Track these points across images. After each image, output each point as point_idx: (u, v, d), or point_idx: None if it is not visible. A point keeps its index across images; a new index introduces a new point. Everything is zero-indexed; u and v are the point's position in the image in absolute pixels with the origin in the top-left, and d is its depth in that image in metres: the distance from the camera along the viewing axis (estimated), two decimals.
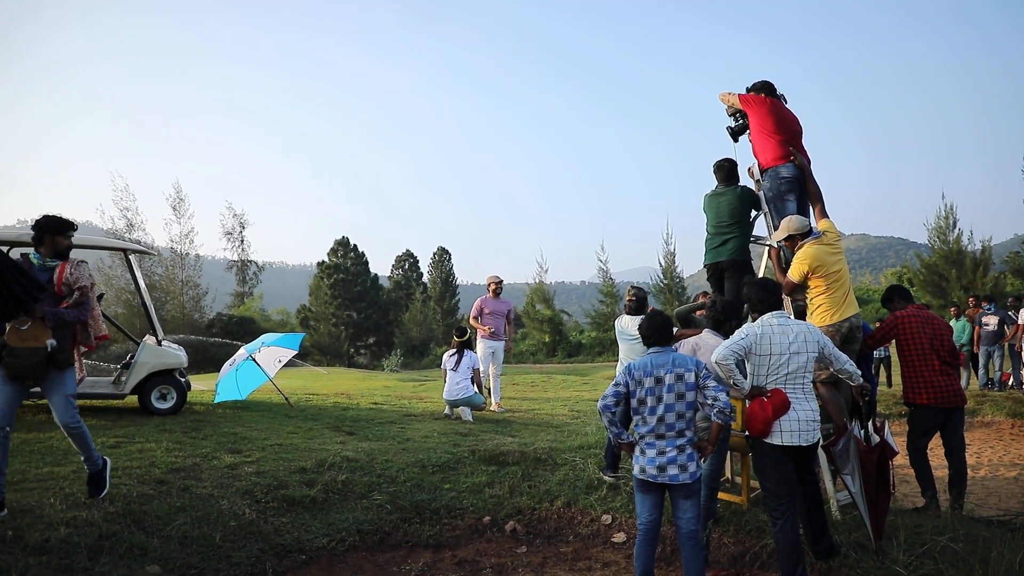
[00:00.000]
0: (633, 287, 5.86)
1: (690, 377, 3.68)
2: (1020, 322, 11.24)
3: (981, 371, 11.85)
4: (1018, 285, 27.27)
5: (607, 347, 34.64)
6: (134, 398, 7.53)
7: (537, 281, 40.24)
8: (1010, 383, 11.87)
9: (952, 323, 12.32)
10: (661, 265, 36.39)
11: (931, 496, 5.07)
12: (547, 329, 38.03)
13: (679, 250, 36.09)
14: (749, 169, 5.61)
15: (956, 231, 28.72)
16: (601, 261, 37.81)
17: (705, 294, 5.79)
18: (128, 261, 7.71)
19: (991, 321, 11.49)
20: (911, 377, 5.18)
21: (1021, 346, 11.40)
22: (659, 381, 3.69)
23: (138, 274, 7.75)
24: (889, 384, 12.81)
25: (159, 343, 7.58)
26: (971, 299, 12.69)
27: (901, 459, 5.73)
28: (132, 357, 7.45)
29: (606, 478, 5.54)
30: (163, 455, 5.61)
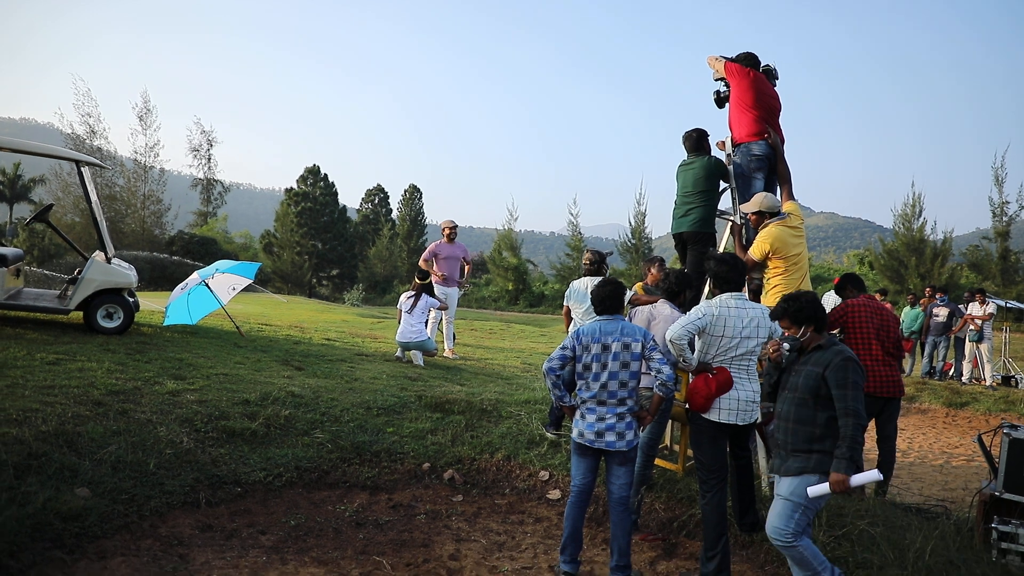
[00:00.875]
0: (590, 250, 5.85)
1: (636, 347, 3.72)
2: (967, 314, 11.57)
3: (925, 359, 12.22)
4: (973, 278, 28.01)
5: None
6: (79, 314, 7.36)
7: (506, 228, 40.11)
8: (951, 373, 12.29)
9: (907, 310, 12.62)
10: (631, 225, 36.52)
11: None
12: (511, 277, 38.11)
13: (651, 211, 36.18)
14: (720, 142, 5.57)
15: (921, 220, 29.31)
16: (572, 215, 37.81)
17: (650, 261, 5.77)
18: (80, 173, 7.41)
19: (941, 312, 11.80)
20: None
21: (964, 336, 11.77)
22: (606, 348, 3.71)
23: (90, 187, 7.46)
24: None
25: (108, 260, 7.36)
26: (928, 289, 12.99)
27: None
28: (79, 272, 7.25)
29: (548, 435, 5.62)
30: (103, 376, 5.51)
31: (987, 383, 11.43)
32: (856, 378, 3.26)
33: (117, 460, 4.19)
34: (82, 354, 6.16)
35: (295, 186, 45.71)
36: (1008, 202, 27.54)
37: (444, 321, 9.21)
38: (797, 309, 3.48)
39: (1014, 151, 28.30)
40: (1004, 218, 27.69)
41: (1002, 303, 15.18)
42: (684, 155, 5.68)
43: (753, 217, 4.96)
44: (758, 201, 4.91)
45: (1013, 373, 12.38)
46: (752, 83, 5.26)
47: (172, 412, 5.02)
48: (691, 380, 3.99)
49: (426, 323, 8.21)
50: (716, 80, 5.72)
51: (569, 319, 5.84)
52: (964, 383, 11.61)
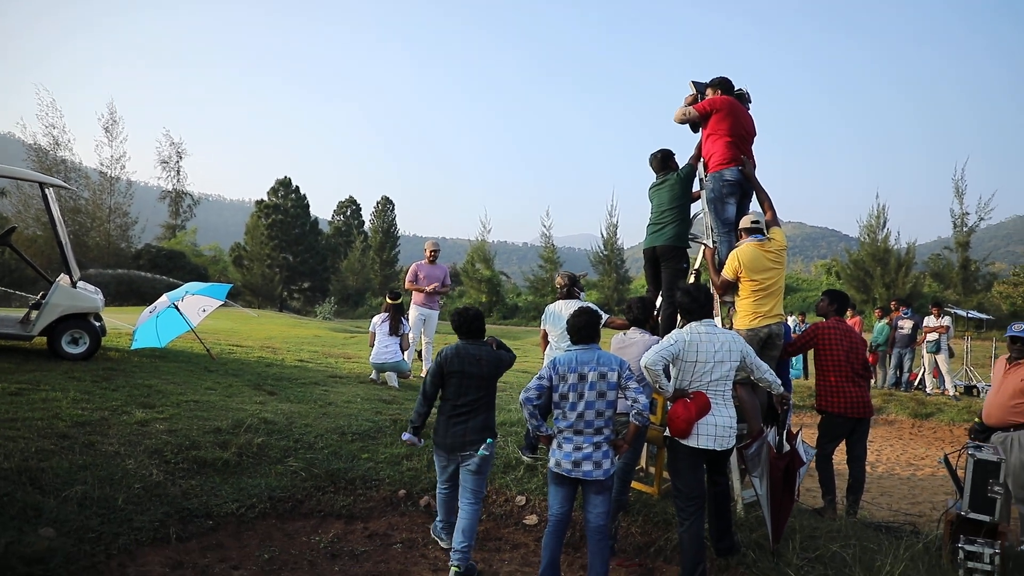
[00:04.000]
0: (561, 273, 5.88)
1: (613, 376, 3.73)
2: (925, 326, 11.86)
3: (892, 371, 12.48)
4: (935, 288, 28.66)
5: (542, 311, 35.01)
6: (43, 340, 7.18)
7: (479, 240, 40.19)
8: (916, 383, 12.55)
9: (875, 324, 12.90)
10: (603, 236, 36.80)
11: (830, 500, 5.31)
12: (485, 289, 38.19)
13: (622, 223, 36.58)
14: (693, 164, 5.61)
15: (885, 231, 29.96)
16: (545, 226, 38.01)
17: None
18: (45, 195, 7.24)
19: (906, 325, 12.07)
20: (825, 386, 5.36)
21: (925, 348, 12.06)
22: (582, 378, 3.72)
23: (55, 209, 7.29)
24: (805, 376, 13.36)
25: (74, 284, 7.20)
26: (894, 302, 13.27)
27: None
28: (44, 296, 7.08)
29: (524, 458, 5.60)
30: (68, 406, 5.38)
31: (950, 393, 11.68)
32: None
33: (83, 497, 4.08)
34: (46, 383, 6.01)
35: (266, 198, 45.32)
36: (968, 213, 28.30)
37: (423, 342, 9.05)
38: None
39: (973, 163, 29.11)
40: (964, 229, 28.42)
41: (963, 313, 15.58)
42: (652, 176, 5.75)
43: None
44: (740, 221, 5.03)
45: (975, 382, 12.67)
46: (728, 112, 5.21)
47: (141, 443, 4.91)
48: (669, 406, 4.02)
49: (400, 344, 8.14)
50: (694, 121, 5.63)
51: (546, 342, 5.85)
52: (929, 394, 11.86)
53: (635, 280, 38.12)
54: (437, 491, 4.49)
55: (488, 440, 4.10)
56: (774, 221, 5.08)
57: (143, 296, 31.29)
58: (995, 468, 4.20)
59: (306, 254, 45.02)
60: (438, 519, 4.54)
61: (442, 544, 4.47)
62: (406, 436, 4.40)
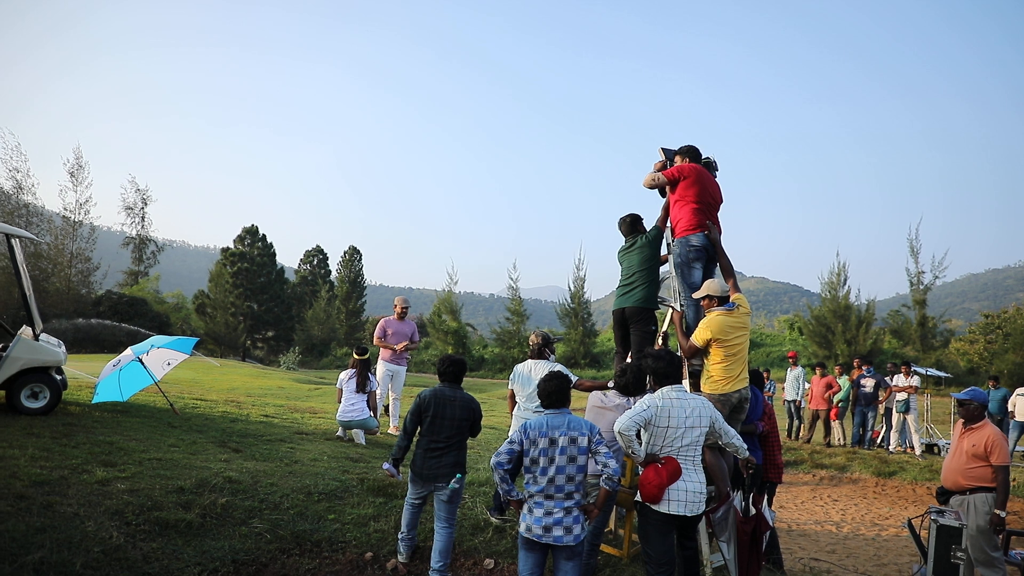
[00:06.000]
0: (537, 332, 5.94)
1: (583, 441, 3.78)
2: (892, 385, 12.14)
3: (855, 429, 12.70)
4: (895, 344, 29.33)
5: (508, 364, 35.02)
6: (1, 393, 6.99)
7: (446, 291, 40.23)
8: (879, 441, 12.77)
9: (840, 381, 13.19)
10: (570, 289, 37.08)
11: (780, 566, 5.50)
12: (451, 341, 38.03)
13: (589, 277, 36.81)
14: (660, 227, 5.79)
15: (846, 288, 30.71)
16: (512, 279, 38.20)
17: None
18: (11, 247, 7.13)
19: (868, 383, 12.34)
20: (774, 460, 5.70)
21: (892, 406, 12.32)
22: (553, 443, 3.76)
23: (20, 260, 7.16)
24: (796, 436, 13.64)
25: (36, 337, 7.06)
26: (856, 360, 13.62)
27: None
28: (3, 349, 6.92)
29: (493, 520, 5.57)
30: (27, 465, 5.23)
31: (917, 452, 11.92)
32: None
33: (40, 562, 3.94)
34: (3, 440, 5.84)
35: (232, 246, 44.94)
36: (923, 271, 29.23)
37: (391, 398, 9.03)
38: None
39: (927, 223, 30.19)
40: (920, 286, 29.31)
41: (921, 371, 15.98)
42: (624, 212, 5.96)
43: (705, 302, 5.14)
44: (707, 287, 5.12)
45: (935, 440, 12.93)
46: (695, 180, 5.40)
47: (101, 504, 4.79)
48: (640, 470, 4.07)
49: (367, 401, 8.09)
50: (662, 186, 5.89)
51: (513, 402, 5.87)
52: (891, 452, 12.07)
53: (602, 333, 38.33)
54: (406, 503, 4.89)
55: (457, 475, 4.61)
56: (735, 289, 5.25)
57: (102, 344, 30.55)
58: (957, 534, 4.31)
59: (271, 303, 44.54)
60: (401, 532, 4.91)
61: (400, 558, 4.85)
62: (386, 466, 4.85)
